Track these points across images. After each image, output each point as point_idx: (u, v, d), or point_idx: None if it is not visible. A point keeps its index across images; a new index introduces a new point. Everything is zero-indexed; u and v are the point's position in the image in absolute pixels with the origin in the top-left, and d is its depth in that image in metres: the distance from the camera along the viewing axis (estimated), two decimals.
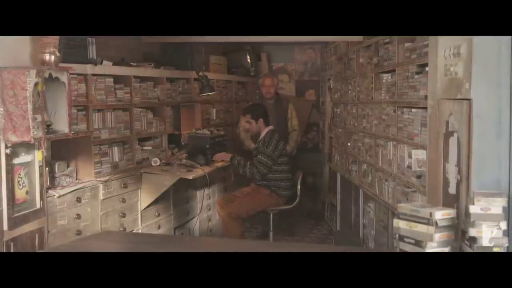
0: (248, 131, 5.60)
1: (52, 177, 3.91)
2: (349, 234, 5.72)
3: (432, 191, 3.07)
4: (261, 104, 5.91)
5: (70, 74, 3.69)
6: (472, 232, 2.31)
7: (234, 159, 5.47)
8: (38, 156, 3.48)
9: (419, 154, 3.55)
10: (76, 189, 3.99)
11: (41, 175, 3.53)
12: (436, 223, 2.33)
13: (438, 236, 2.32)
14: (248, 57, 7.80)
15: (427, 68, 3.28)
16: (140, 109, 4.97)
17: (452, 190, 2.75)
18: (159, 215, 5.12)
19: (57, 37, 3.60)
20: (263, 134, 5.43)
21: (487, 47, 2.52)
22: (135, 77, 4.89)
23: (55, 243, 3.63)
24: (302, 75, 8.56)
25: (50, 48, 3.49)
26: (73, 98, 3.88)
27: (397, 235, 2.45)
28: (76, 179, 4.18)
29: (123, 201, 4.58)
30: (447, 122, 2.79)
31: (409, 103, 3.75)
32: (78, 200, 3.99)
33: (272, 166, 5.34)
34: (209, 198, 5.96)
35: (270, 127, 5.48)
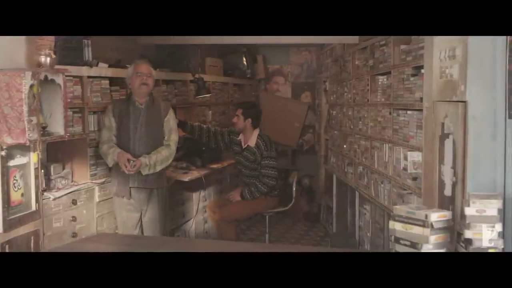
0: (234, 124, 5.46)
1: (48, 179, 3.90)
2: (345, 236, 5.72)
3: (428, 193, 3.07)
4: (257, 105, 5.75)
5: (66, 76, 3.67)
6: (468, 234, 2.32)
7: (244, 193, 5.26)
8: (33, 158, 3.47)
9: (415, 156, 3.55)
10: (72, 191, 3.97)
11: (36, 177, 3.51)
12: (432, 225, 2.33)
13: (433, 238, 2.33)
14: (244, 59, 7.80)
15: (422, 70, 3.29)
16: None
17: (447, 192, 2.76)
18: None
19: (53, 38, 3.59)
20: (254, 138, 5.28)
21: (482, 49, 2.53)
22: None
23: (50, 245, 3.61)
24: (298, 77, 8.57)
25: (45, 50, 3.48)
26: (69, 100, 3.87)
27: (393, 237, 2.46)
28: (72, 181, 4.17)
29: None
30: (443, 124, 2.80)
31: (404, 105, 3.76)
32: (74, 202, 3.98)
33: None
34: (205, 200, 5.94)
35: (258, 131, 5.34)
